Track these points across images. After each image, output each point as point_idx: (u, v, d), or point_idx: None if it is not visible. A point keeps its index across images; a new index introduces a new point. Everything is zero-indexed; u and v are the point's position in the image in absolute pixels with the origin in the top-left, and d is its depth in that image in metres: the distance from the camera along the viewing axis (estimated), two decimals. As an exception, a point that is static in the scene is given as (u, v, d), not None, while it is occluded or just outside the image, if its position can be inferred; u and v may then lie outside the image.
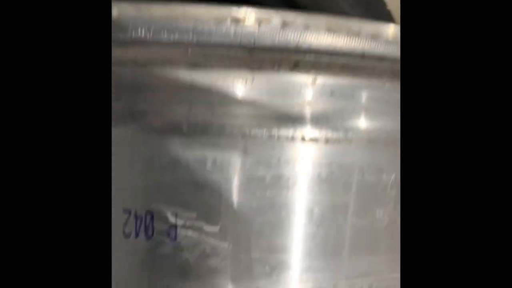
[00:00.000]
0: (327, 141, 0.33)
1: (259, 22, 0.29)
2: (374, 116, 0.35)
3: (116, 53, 0.26)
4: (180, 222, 0.33)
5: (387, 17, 0.51)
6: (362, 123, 0.35)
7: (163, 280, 0.34)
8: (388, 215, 0.38)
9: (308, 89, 0.33)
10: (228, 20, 0.29)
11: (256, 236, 0.34)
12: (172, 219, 0.33)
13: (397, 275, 0.41)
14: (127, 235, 0.33)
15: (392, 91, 0.36)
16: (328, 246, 0.36)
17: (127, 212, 0.33)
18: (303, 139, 0.33)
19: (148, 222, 0.33)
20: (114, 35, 0.27)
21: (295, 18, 0.30)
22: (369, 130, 0.35)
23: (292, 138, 0.32)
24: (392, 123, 0.36)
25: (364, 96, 0.35)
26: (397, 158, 0.36)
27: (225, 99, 0.32)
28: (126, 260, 0.33)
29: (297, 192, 0.34)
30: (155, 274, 0.34)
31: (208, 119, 0.31)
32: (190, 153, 0.32)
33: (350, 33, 0.31)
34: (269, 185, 0.33)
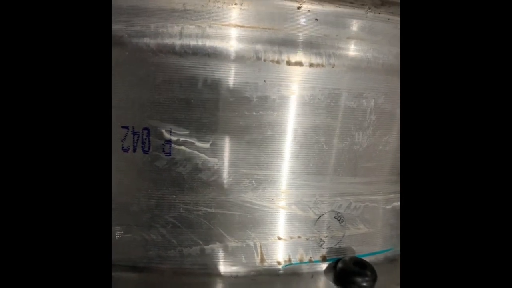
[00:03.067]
0: (311, 65, 0.36)
1: None
2: (356, 44, 0.37)
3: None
4: (174, 138, 0.36)
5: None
6: (344, 50, 0.37)
7: (158, 192, 0.37)
8: (367, 139, 0.41)
9: (294, 15, 0.35)
10: None
11: (244, 153, 0.37)
12: (166, 135, 0.36)
13: (375, 197, 0.45)
14: (125, 150, 0.36)
15: (375, 20, 0.38)
16: (310, 165, 0.39)
17: (125, 128, 0.35)
18: (288, 62, 0.35)
19: (144, 138, 0.36)
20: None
21: None
22: (351, 57, 0.37)
23: (278, 61, 0.35)
24: (373, 52, 0.38)
25: (347, 24, 0.37)
26: (377, 86, 0.39)
27: (216, 22, 0.34)
28: (125, 174, 0.37)
29: (282, 113, 0.36)
30: (151, 186, 0.37)
31: (199, 41, 0.33)
32: (182, 72, 0.34)
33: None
34: (256, 106, 0.36)
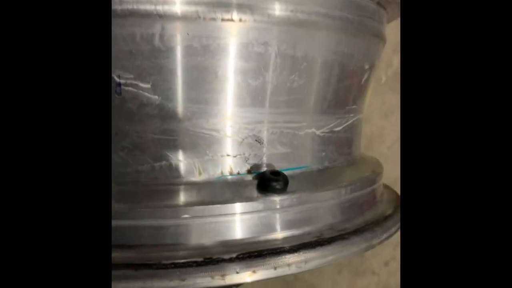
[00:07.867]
0: (240, 20, 0.47)
1: None
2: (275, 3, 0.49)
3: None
4: (122, 81, 0.47)
5: None
6: (265, 9, 0.48)
7: (114, 124, 0.49)
8: (276, 78, 0.53)
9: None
10: None
11: (180, 91, 0.49)
12: (117, 79, 0.47)
13: (289, 124, 0.57)
14: (86, 92, 0.47)
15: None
16: (234, 99, 0.51)
17: (85, 75, 0.47)
18: (222, 19, 0.47)
19: (100, 82, 0.47)
20: None
21: None
22: (268, 14, 0.49)
23: (213, 19, 0.46)
24: (280, 11, 0.50)
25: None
26: (280, 36, 0.51)
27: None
28: (88, 111, 0.48)
29: (216, 58, 0.48)
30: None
31: (134, 5, 0.45)
32: (124, 30, 0.45)
33: None
34: (199, 53, 0.47)
